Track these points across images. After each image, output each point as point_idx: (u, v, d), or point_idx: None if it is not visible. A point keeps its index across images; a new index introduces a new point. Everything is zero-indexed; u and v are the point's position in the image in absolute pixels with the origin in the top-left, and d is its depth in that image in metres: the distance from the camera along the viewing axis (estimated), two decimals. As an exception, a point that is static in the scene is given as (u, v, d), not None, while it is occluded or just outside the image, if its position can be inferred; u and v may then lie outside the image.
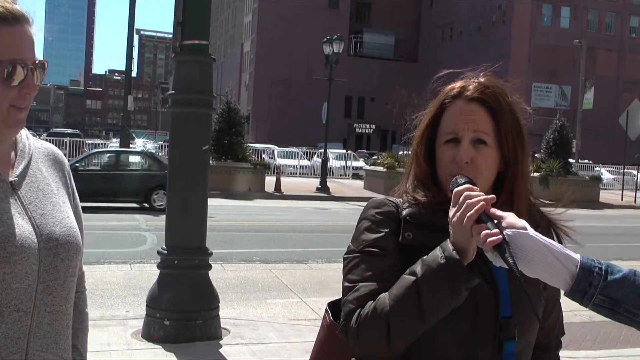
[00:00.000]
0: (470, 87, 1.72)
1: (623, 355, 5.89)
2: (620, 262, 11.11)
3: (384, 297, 1.61)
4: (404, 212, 1.73)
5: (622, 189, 31.61)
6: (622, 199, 29.79)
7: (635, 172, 38.16)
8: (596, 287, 1.43)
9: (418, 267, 1.58)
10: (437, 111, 1.76)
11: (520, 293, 1.49)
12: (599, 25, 75.65)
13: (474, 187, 1.55)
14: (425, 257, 1.60)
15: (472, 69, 1.82)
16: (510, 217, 1.49)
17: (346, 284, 1.72)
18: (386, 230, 1.72)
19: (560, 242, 1.77)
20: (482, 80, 1.74)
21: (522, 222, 1.48)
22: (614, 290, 1.43)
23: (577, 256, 1.47)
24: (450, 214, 1.56)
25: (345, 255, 1.76)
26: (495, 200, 1.52)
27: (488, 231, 1.45)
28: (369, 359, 1.69)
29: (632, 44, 76.48)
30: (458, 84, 1.76)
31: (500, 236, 1.43)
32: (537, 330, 1.78)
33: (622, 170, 34.63)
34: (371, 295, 1.64)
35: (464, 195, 1.53)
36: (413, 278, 1.58)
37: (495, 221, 1.49)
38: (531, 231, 1.46)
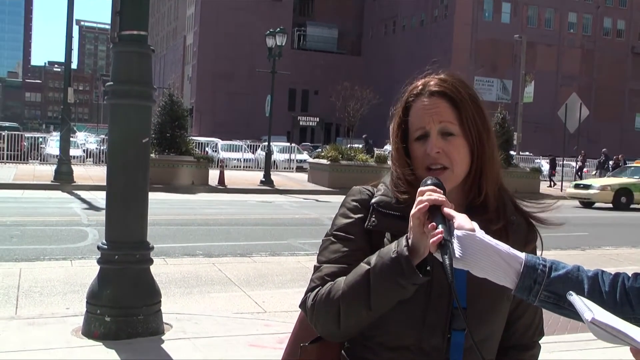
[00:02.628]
0: (431, 82, 1.80)
1: (563, 340, 6.03)
2: (560, 251, 11.38)
3: (341, 281, 1.71)
4: (374, 200, 1.82)
5: (562, 180, 32.36)
6: (561, 190, 30.46)
7: (573, 163, 39.15)
8: (540, 283, 1.49)
9: (374, 258, 1.67)
10: (404, 111, 1.83)
11: (480, 286, 1.54)
12: (539, 20, 77.17)
13: (438, 190, 1.60)
14: (383, 248, 1.67)
15: (432, 64, 1.88)
16: (460, 219, 1.53)
17: (315, 263, 1.84)
18: (357, 216, 1.82)
19: (534, 233, 1.87)
20: (441, 75, 1.82)
21: (471, 224, 1.53)
22: (558, 286, 1.49)
23: (523, 255, 1.52)
24: (411, 211, 1.61)
25: (323, 238, 1.87)
26: (452, 207, 1.57)
27: (436, 231, 1.50)
28: (326, 337, 1.79)
29: (570, 39, 78.23)
30: (420, 82, 1.83)
31: (440, 235, 1.48)
32: (498, 325, 1.82)
33: (561, 162, 35.42)
34: (331, 276, 1.75)
35: (424, 194, 1.58)
36: (367, 267, 1.66)
37: (449, 221, 1.53)
38: (479, 232, 1.51)
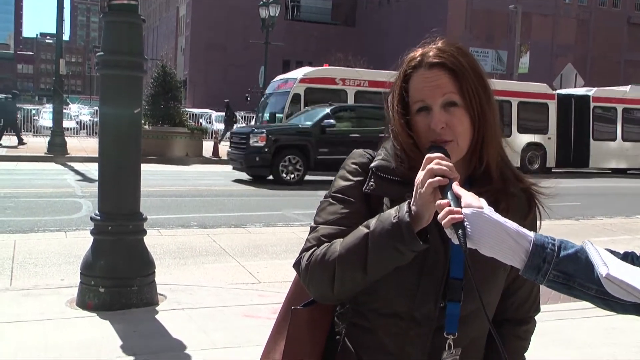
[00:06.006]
0: (430, 53, 1.74)
1: (555, 309, 6.06)
2: (555, 221, 11.39)
3: (337, 243, 1.69)
4: (373, 164, 1.80)
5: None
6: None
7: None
8: (550, 262, 1.46)
9: (373, 221, 1.65)
10: (402, 82, 1.78)
11: (476, 258, 1.51)
12: (534, -10, 76.62)
13: (446, 158, 1.59)
14: (383, 213, 1.66)
15: (431, 34, 1.82)
16: (468, 197, 1.52)
17: (312, 224, 1.83)
18: (356, 179, 1.80)
19: (535, 207, 1.84)
20: (439, 45, 1.76)
21: (479, 202, 1.51)
22: (567, 265, 1.46)
23: (531, 234, 1.50)
24: (417, 177, 1.60)
25: (321, 200, 1.86)
26: (458, 179, 1.56)
27: (451, 208, 1.48)
28: (319, 299, 1.78)
29: (565, 9, 77.76)
30: (418, 53, 1.78)
31: (461, 215, 1.47)
32: (493, 296, 1.81)
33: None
34: (328, 237, 1.74)
35: (432, 162, 1.57)
36: (366, 230, 1.65)
37: (458, 199, 1.52)
38: (487, 210, 1.49)
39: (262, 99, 25.32)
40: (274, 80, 25.29)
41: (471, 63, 1.75)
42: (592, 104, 27.45)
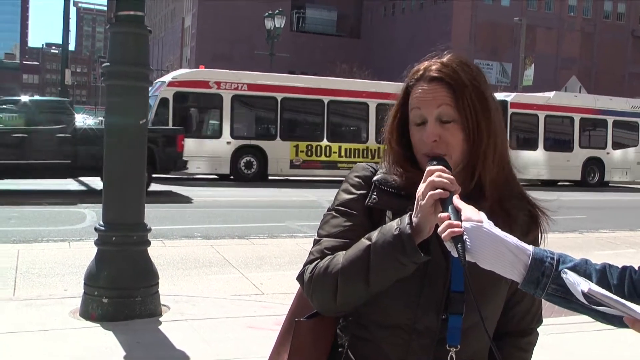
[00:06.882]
0: (433, 67, 1.76)
1: (560, 323, 6.03)
2: (558, 234, 11.36)
3: (340, 255, 1.71)
4: (375, 177, 1.82)
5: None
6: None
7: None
8: (549, 276, 1.47)
9: (375, 234, 1.66)
10: (404, 95, 1.80)
11: (476, 270, 1.52)
12: (539, 3, 76.73)
13: (447, 171, 1.60)
14: (385, 225, 1.67)
15: (439, 48, 1.83)
16: (468, 210, 1.52)
17: (315, 237, 1.85)
18: (359, 192, 1.82)
19: (536, 224, 1.83)
20: (443, 59, 1.77)
21: (479, 215, 1.51)
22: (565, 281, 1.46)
23: (530, 247, 1.50)
24: (418, 189, 1.61)
25: (324, 213, 1.88)
26: (459, 192, 1.57)
27: (451, 221, 1.49)
28: (322, 311, 1.79)
29: (570, 22, 77.87)
30: (422, 66, 1.79)
31: (461, 229, 1.47)
32: (493, 308, 1.81)
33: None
34: (331, 250, 1.75)
35: (434, 174, 1.58)
36: (368, 243, 1.66)
37: (458, 212, 1.53)
38: (487, 224, 1.50)
39: None
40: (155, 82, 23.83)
41: (472, 78, 1.75)
42: (510, 110, 25.70)
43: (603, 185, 26.62)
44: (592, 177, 26.87)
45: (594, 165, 26.88)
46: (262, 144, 22.33)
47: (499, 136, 1.77)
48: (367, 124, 23.75)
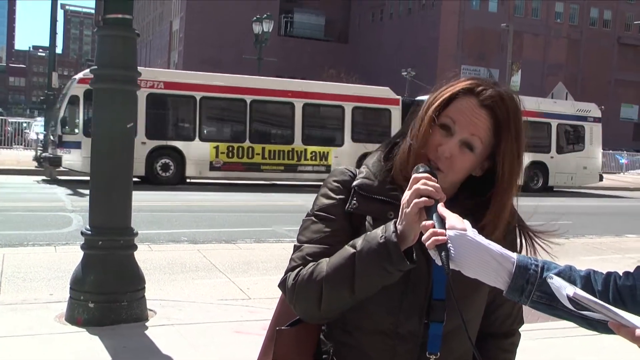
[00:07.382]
0: (488, 92, 1.70)
1: (546, 328, 6.05)
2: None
3: (324, 262, 1.69)
4: (355, 182, 1.80)
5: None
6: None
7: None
8: (533, 283, 1.47)
9: (359, 241, 1.65)
10: (448, 97, 1.72)
11: (458, 277, 1.51)
12: (526, 10, 77.21)
13: (433, 178, 1.59)
14: (369, 232, 1.66)
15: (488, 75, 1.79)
16: (452, 218, 1.52)
17: (295, 243, 1.83)
18: (339, 197, 1.80)
19: (530, 240, 1.87)
20: (501, 90, 1.72)
21: (463, 224, 1.51)
22: (550, 286, 1.46)
23: (514, 255, 1.51)
24: (403, 196, 1.60)
25: (303, 218, 1.86)
26: (444, 200, 1.56)
27: (436, 229, 1.49)
28: (305, 319, 1.78)
29: (556, 29, 78.37)
30: (476, 81, 1.73)
31: (445, 237, 1.47)
32: (474, 313, 1.82)
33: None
34: (313, 256, 1.74)
35: (419, 182, 1.57)
36: (352, 250, 1.65)
37: (443, 220, 1.52)
38: (470, 232, 1.50)
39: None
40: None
41: (518, 126, 1.71)
42: None
43: (547, 191, 25.53)
44: (536, 182, 25.72)
45: (537, 170, 25.75)
46: (180, 144, 21.16)
47: (518, 179, 1.77)
48: (292, 124, 22.60)
